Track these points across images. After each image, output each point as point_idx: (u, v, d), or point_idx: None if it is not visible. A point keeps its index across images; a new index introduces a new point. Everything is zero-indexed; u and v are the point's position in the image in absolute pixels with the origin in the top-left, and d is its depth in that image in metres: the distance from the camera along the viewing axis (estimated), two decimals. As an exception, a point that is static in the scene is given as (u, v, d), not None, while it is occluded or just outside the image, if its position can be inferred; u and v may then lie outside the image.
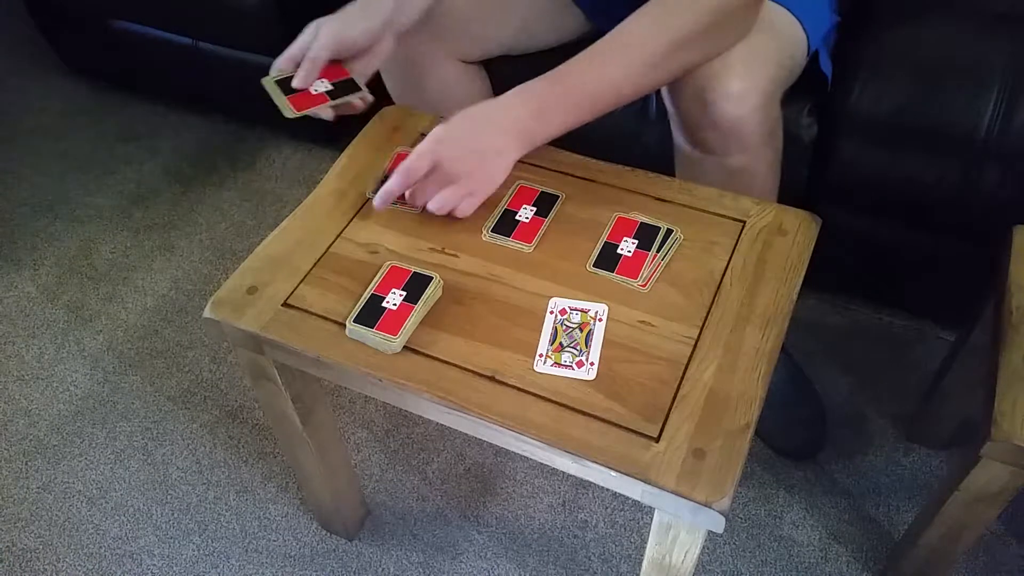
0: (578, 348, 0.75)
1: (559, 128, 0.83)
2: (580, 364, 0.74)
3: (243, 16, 1.48)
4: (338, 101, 0.89)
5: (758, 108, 0.89)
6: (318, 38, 0.88)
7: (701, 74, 0.87)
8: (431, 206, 0.84)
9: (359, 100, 0.91)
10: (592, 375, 0.73)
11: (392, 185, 0.82)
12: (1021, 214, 0.99)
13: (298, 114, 0.88)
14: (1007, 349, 0.83)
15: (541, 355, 0.75)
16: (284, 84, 0.89)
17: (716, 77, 0.86)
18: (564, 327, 0.77)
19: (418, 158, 0.81)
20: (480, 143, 0.82)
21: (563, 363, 0.74)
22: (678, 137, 0.99)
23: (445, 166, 0.81)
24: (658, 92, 1.14)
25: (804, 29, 0.97)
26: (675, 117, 0.96)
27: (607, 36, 0.83)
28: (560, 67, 0.82)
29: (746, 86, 0.87)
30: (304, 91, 0.89)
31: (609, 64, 0.82)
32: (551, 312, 0.78)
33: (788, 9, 0.95)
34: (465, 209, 0.84)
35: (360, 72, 0.91)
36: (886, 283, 1.31)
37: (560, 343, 0.76)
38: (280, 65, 0.89)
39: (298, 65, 0.89)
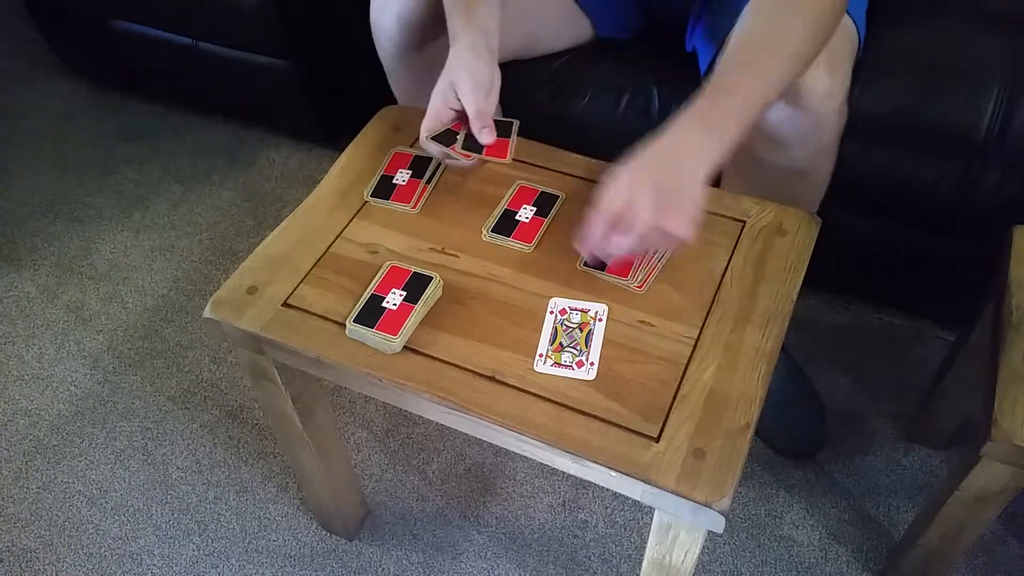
0: (578, 348, 0.75)
1: (735, 141, 0.77)
2: (580, 364, 0.74)
3: (243, 16, 1.48)
4: (513, 133, 0.91)
5: (841, 105, 0.89)
6: (467, 95, 0.87)
7: None
8: (652, 247, 0.80)
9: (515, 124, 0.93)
10: (592, 375, 0.73)
11: (596, 234, 0.76)
12: (1021, 214, 0.99)
13: (508, 160, 0.89)
14: (1007, 349, 0.83)
15: (541, 355, 0.75)
16: (444, 137, 0.89)
17: (807, 73, 0.85)
18: (564, 327, 0.77)
19: (616, 196, 0.75)
20: (670, 177, 0.76)
21: (563, 363, 0.74)
22: None
23: (648, 196, 0.74)
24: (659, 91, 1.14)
25: (857, 28, 0.97)
26: None
27: (740, 39, 0.80)
28: (715, 81, 0.78)
29: (834, 83, 0.87)
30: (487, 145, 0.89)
31: (761, 65, 0.79)
32: (551, 312, 0.78)
33: (847, 12, 0.95)
34: (687, 231, 0.75)
35: (494, 104, 0.90)
36: (886, 283, 1.31)
37: (560, 343, 0.76)
38: (430, 126, 0.88)
39: (446, 125, 0.89)
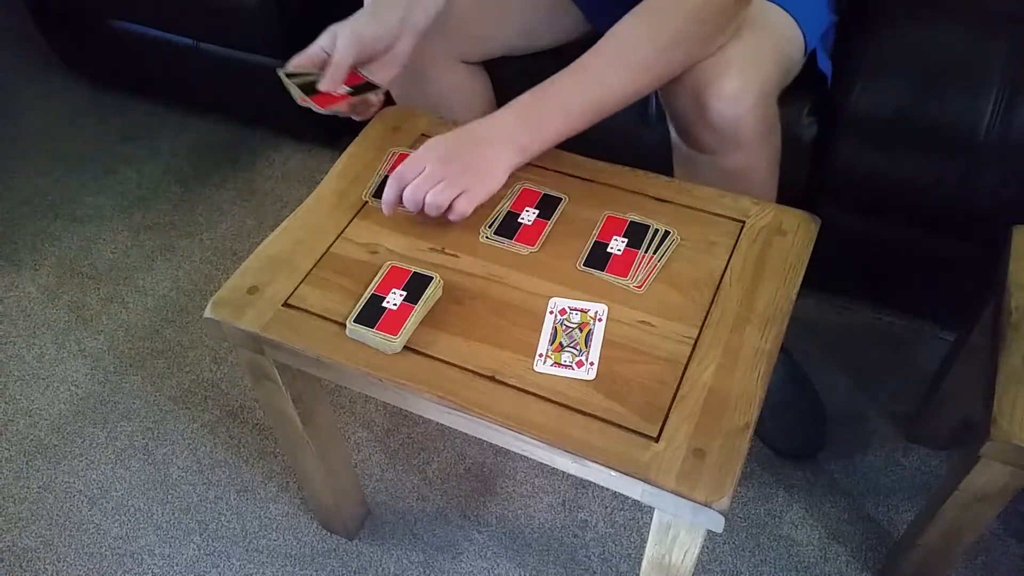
0: (578, 348, 0.75)
1: (554, 136, 0.84)
2: (580, 364, 0.74)
3: (243, 16, 1.48)
4: (357, 98, 0.90)
5: (754, 107, 0.89)
6: (339, 43, 0.88)
7: (696, 74, 0.87)
8: (427, 206, 0.83)
9: (375, 97, 0.92)
10: (592, 375, 0.74)
11: (388, 193, 0.84)
12: (1021, 214, 0.99)
13: (323, 111, 0.89)
14: (1007, 349, 0.83)
15: (541, 355, 0.75)
16: (307, 87, 0.89)
17: (712, 77, 0.86)
18: (564, 327, 0.77)
19: (410, 162, 0.83)
20: (472, 152, 0.83)
21: (563, 363, 0.74)
22: (675, 137, 0.99)
23: (438, 168, 0.82)
24: (656, 92, 1.14)
25: (801, 28, 0.97)
26: (671, 117, 0.96)
27: (597, 44, 0.83)
28: (552, 77, 0.83)
29: (741, 86, 0.87)
30: (326, 92, 0.89)
31: (598, 70, 0.83)
32: (551, 312, 0.78)
33: (784, 8, 0.95)
34: (461, 208, 0.82)
35: (382, 77, 0.92)
36: (886, 283, 1.31)
37: (560, 343, 0.76)
38: (297, 62, 0.89)
39: (316, 67, 0.89)
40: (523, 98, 0.84)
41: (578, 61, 0.84)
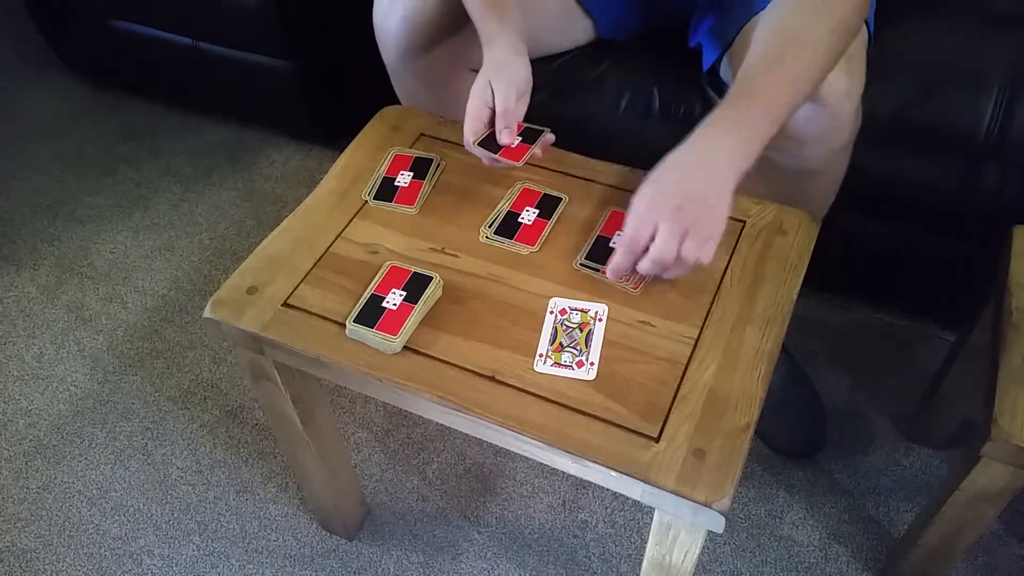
0: (578, 348, 0.75)
1: (762, 145, 0.77)
2: (580, 364, 0.74)
3: (243, 16, 1.48)
4: (538, 142, 0.90)
5: (858, 107, 0.89)
6: (498, 93, 0.87)
7: None
8: (670, 273, 0.77)
9: (551, 135, 0.92)
10: (592, 375, 0.73)
11: (621, 261, 0.77)
12: (1021, 214, 0.99)
13: (519, 164, 0.88)
14: (1007, 349, 0.83)
15: (541, 355, 0.75)
16: (488, 143, 0.89)
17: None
18: (564, 327, 0.77)
19: (637, 224, 0.75)
20: (700, 190, 0.74)
21: (563, 363, 0.74)
22: None
23: (677, 222, 0.73)
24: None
25: (868, 28, 0.97)
26: None
27: (767, 38, 0.80)
28: (740, 83, 0.77)
29: (852, 84, 0.86)
30: (507, 146, 0.89)
31: (788, 66, 0.78)
32: (551, 312, 0.78)
33: None
34: (709, 256, 0.74)
35: (520, 112, 0.90)
36: (886, 283, 1.31)
37: (560, 343, 0.76)
38: (472, 127, 0.88)
39: (486, 124, 0.89)
40: (726, 113, 0.76)
41: (760, 59, 0.78)
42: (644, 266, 0.75)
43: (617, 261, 0.77)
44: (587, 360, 0.74)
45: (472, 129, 0.88)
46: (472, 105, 0.88)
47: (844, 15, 0.79)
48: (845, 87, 0.86)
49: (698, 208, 0.74)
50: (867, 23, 0.95)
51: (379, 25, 1.04)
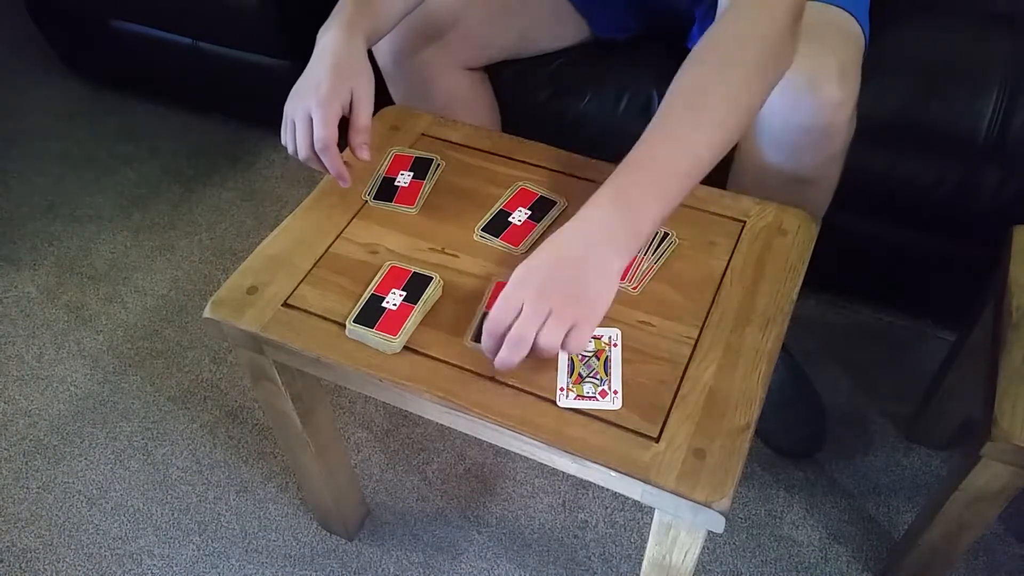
0: (598, 377, 0.73)
1: (659, 217, 0.70)
2: (604, 394, 0.72)
3: (243, 16, 1.48)
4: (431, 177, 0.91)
5: (851, 115, 0.88)
6: (361, 100, 0.84)
7: (801, 80, 0.83)
8: (538, 351, 0.68)
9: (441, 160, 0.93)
10: (618, 404, 0.71)
11: (488, 343, 0.69)
12: (1021, 214, 0.99)
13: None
14: (1007, 349, 0.83)
15: (562, 388, 0.73)
16: (385, 188, 0.90)
17: (819, 83, 0.84)
18: (580, 357, 0.75)
19: (502, 303, 0.68)
20: (572, 273, 0.68)
21: (586, 395, 0.72)
22: (752, 138, 0.94)
23: (540, 304, 0.66)
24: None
25: (865, 36, 0.96)
26: (758, 118, 0.90)
27: (667, 104, 0.73)
28: (633, 152, 0.71)
29: (845, 93, 0.85)
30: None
31: (682, 133, 0.71)
32: None
33: (851, 14, 0.93)
34: (574, 346, 0.67)
35: (367, 114, 0.87)
36: (886, 283, 1.31)
37: (579, 374, 0.73)
38: (338, 169, 0.85)
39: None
40: (609, 190, 0.70)
41: (655, 128, 0.71)
42: (501, 354, 0.67)
43: (485, 345, 0.70)
44: (610, 389, 0.72)
45: (330, 135, 0.83)
46: (331, 109, 0.82)
47: (763, 64, 0.73)
48: (839, 97, 0.85)
49: (565, 292, 0.67)
50: (862, 26, 0.96)
51: None
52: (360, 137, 0.85)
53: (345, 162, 0.86)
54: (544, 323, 0.66)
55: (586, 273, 0.68)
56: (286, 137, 0.87)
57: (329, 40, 0.85)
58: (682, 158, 0.70)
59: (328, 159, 0.84)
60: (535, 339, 0.66)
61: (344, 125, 0.85)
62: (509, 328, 0.67)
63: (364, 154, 0.86)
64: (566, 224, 0.70)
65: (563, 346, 0.67)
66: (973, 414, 0.87)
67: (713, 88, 0.72)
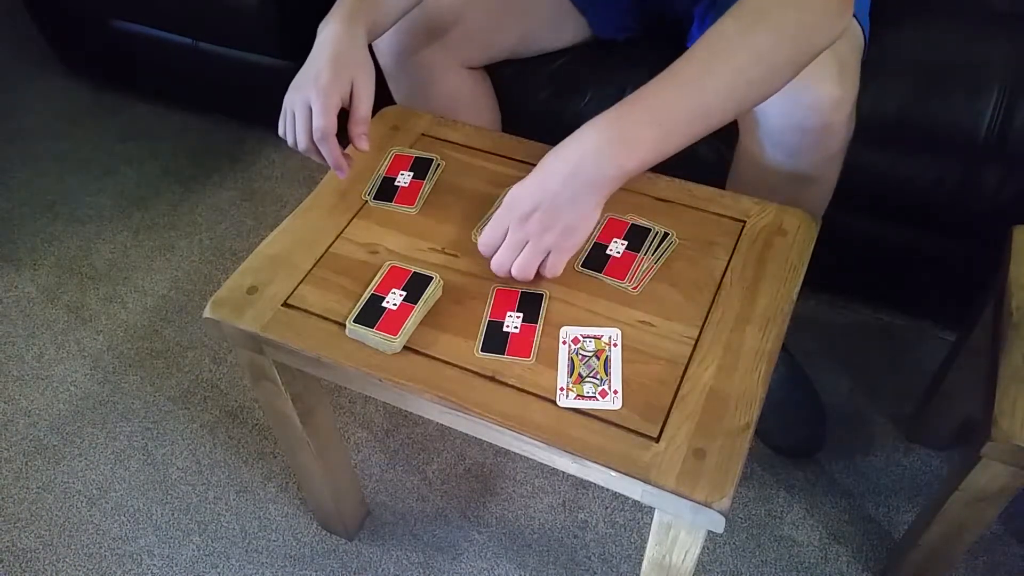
0: (598, 377, 0.73)
1: (650, 154, 0.71)
2: (604, 394, 0.72)
3: (243, 16, 1.48)
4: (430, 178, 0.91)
5: (850, 114, 0.88)
6: (362, 92, 0.84)
7: (801, 79, 0.81)
8: (514, 273, 0.76)
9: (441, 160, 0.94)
10: (618, 404, 0.71)
11: (485, 255, 0.78)
12: (1021, 214, 0.99)
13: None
14: (1007, 349, 0.83)
15: (562, 388, 0.73)
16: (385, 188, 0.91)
17: (817, 81, 0.84)
18: (580, 356, 0.75)
19: (492, 226, 0.76)
20: (554, 200, 0.72)
21: (586, 394, 0.72)
22: (751, 137, 0.94)
23: (518, 231, 0.73)
24: None
25: (864, 35, 0.96)
26: (756, 116, 0.90)
27: (689, 50, 0.72)
28: (640, 88, 0.72)
29: (844, 92, 0.85)
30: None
31: (693, 75, 0.71)
32: (564, 342, 0.76)
33: (856, 17, 0.93)
34: (550, 271, 0.75)
35: (368, 105, 0.87)
36: (886, 283, 1.31)
37: (579, 374, 0.73)
38: (339, 164, 0.86)
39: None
40: (607, 114, 0.71)
41: (668, 69, 0.72)
42: (494, 268, 0.77)
43: (484, 255, 0.77)
44: (610, 389, 0.72)
45: (340, 169, 0.85)
46: (330, 99, 0.82)
47: (797, 33, 0.72)
48: (837, 96, 0.85)
49: (546, 219, 0.71)
50: (862, 27, 0.95)
51: None
52: (360, 128, 0.86)
53: (345, 154, 0.86)
54: (521, 252, 0.73)
55: (569, 202, 0.71)
56: (285, 128, 0.87)
57: (330, 32, 0.85)
58: (685, 98, 0.70)
59: (327, 149, 0.84)
60: (512, 265, 0.74)
61: (344, 117, 0.85)
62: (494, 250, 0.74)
63: (363, 145, 0.86)
64: (559, 145, 0.73)
65: (539, 271, 0.74)
66: (973, 414, 0.87)
67: (737, 38, 0.70)
